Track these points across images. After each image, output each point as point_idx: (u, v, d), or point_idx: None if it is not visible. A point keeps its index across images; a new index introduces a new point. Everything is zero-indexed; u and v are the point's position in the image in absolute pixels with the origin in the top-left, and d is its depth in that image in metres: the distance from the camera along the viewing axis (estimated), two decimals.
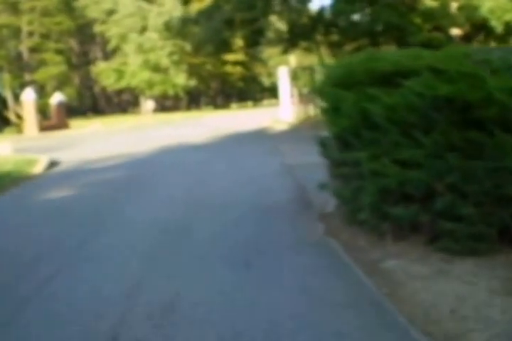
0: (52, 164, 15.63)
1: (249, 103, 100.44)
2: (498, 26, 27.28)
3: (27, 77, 62.27)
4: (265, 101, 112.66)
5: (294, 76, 35.08)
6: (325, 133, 7.14)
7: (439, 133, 4.85)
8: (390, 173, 5.06)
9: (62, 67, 65.88)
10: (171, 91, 66.91)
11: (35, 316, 4.30)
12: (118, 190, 10.09)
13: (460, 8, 28.08)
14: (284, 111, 32.04)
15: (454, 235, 4.86)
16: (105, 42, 71.58)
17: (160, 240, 6.48)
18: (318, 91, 6.85)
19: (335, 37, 30.11)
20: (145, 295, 4.66)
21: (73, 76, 76.93)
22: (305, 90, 33.01)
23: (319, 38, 28.87)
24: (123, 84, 66.26)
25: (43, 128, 36.51)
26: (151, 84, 65.39)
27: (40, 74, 63.07)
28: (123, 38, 65.31)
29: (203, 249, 5.95)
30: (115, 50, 70.30)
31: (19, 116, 38.02)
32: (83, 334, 3.92)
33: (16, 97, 43.24)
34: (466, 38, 30.48)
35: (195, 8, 38.13)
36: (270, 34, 30.67)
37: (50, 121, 40.79)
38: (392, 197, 5.21)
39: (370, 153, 5.32)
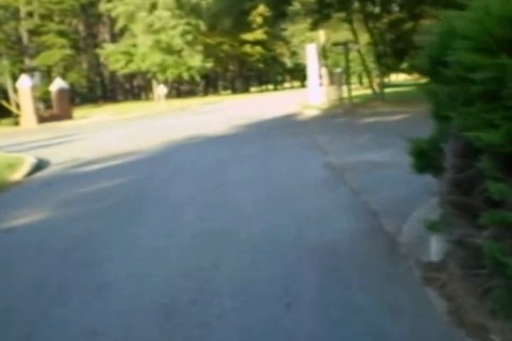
0: (38, 167, 13.25)
1: (270, 86, 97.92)
2: None
3: (28, 62, 60.07)
4: (286, 84, 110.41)
5: (324, 54, 32.51)
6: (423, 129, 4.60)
7: None
8: None
9: (66, 51, 63.52)
10: (185, 75, 64.27)
11: None
12: (105, 214, 7.36)
13: None
14: (314, 94, 29.48)
15: None
16: (113, 22, 69.17)
17: None
18: (429, 64, 4.17)
19: (371, 8, 27.49)
20: None
21: (80, 60, 74.80)
22: (336, 69, 30.47)
23: (355, 8, 26.22)
24: (133, 67, 63.83)
25: (43, 119, 34.28)
26: (163, 68, 62.82)
27: (42, 59, 60.78)
28: (131, 17, 62.68)
29: None
30: (123, 31, 67.84)
31: (19, 107, 35.77)
32: None
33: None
34: None
35: None
36: (297, 5, 27.99)
37: (51, 110, 38.57)
38: None
39: None
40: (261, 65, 77.88)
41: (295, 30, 55.80)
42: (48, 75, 61.64)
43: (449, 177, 3.92)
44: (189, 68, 63.29)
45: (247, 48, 72.14)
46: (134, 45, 63.89)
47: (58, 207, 8.23)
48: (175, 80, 72.16)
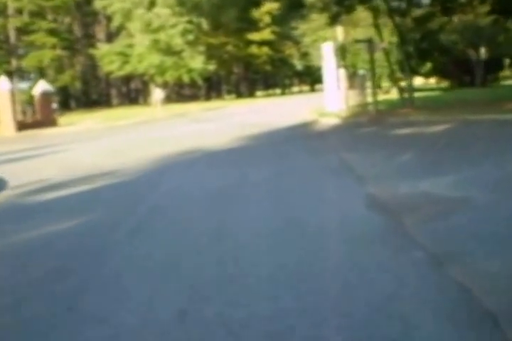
0: None
1: (277, 91, 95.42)
2: None
3: (15, 63, 57.72)
4: (295, 88, 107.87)
5: (342, 54, 29.94)
6: None
7: None
8: None
9: (58, 51, 61.17)
10: (186, 78, 61.74)
11: None
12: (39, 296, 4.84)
13: None
14: (331, 99, 26.87)
15: None
16: (109, 21, 66.72)
17: None
18: None
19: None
20: None
21: (75, 61, 72.42)
22: (359, 71, 27.90)
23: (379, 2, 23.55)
24: (128, 69, 61.31)
25: (24, 126, 31.88)
26: (162, 70, 60.29)
27: (31, 60, 58.35)
28: (128, 14, 60.22)
29: None
30: (120, 30, 65.43)
31: None
32: None
33: None
34: None
35: None
36: None
37: (33, 116, 36.09)
38: None
39: None
40: (268, 68, 75.22)
41: (307, 28, 53.16)
42: (40, 77, 59.23)
43: None
44: (190, 70, 60.76)
45: (254, 49, 69.62)
46: (131, 46, 61.44)
47: None
48: (175, 83, 69.75)
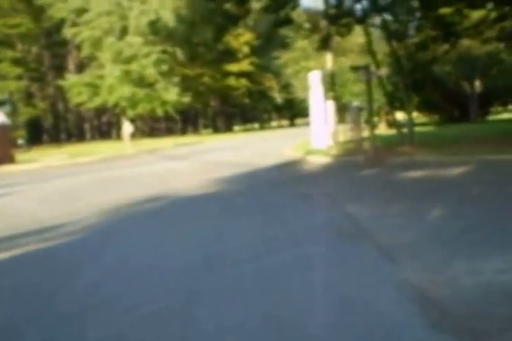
0: None
1: (255, 125, 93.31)
2: None
3: None
4: (274, 123, 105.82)
5: (332, 84, 27.43)
6: None
7: None
8: None
9: (24, 82, 58.40)
10: (159, 111, 59.02)
11: None
12: None
13: None
14: (318, 134, 24.29)
15: None
16: (80, 50, 64.14)
17: None
18: None
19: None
20: None
21: (44, 93, 69.59)
22: (353, 103, 25.39)
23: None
24: (98, 101, 58.49)
25: None
26: (133, 102, 57.53)
27: None
28: (97, 43, 57.63)
29: None
30: (91, 60, 62.81)
31: None
32: None
33: None
34: None
35: None
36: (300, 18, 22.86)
37: None
38: None
39: None
40: (246, 100, 72.73)
41: (289, 58, 50.81)
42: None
43: None
44: (163, 103, 58.13)
45: (231, 81, 67.32)
46: (101, 76, 58.72)
47: None
48: (149, 117, 67.16)
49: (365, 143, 19.61)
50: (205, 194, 12.55)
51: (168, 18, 55.26)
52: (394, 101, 32.23)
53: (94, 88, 58.70)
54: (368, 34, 20.87)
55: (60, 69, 72.11)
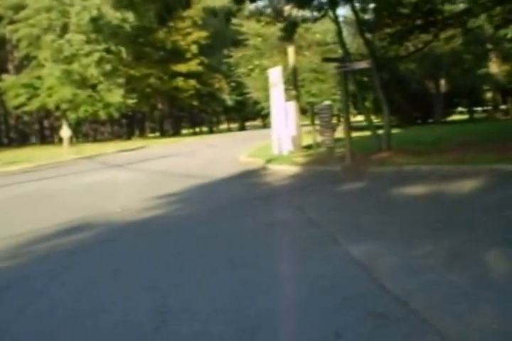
0: None
1: (204, 129, 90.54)
2: None
3: None
4: (223, 126, 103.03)
5: (294, 81, 24.48)
6: None
7: None
8: None
9: None
10: (102, 114, 55.26)
11: None
12: None
13: None
14: (280, 138, 21.38)
15: None
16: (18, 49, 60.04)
17: None
18: None
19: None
20: None
21: None
22: (324, 102, 22.49)
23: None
24: (37, 104, 54.46)
25: None
26: (75, 105, 53.65)
27: None
28: (36, 41, 53.65)
29: None
30: (30, 59, 58.60)
31: None
32: None
33: None
34: None
35: None
36: None
37: None
38: None
39: None
40: (195, 103, 69.45)
41: (241, 56, 47.66)
42: None
43: None
44: (107, 105, 54.41)
45: (179, 82, 64.10)
46: (40, 77, 54.73)
47: None
48: (94, 120, 63.45)
49: (332, 149, 16.80)
50: (146, 222, 9.34)
51: (112, 15, 51.85)
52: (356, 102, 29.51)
53: (33, 89, 54.71)
54: (337, 22, 17.93)
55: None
